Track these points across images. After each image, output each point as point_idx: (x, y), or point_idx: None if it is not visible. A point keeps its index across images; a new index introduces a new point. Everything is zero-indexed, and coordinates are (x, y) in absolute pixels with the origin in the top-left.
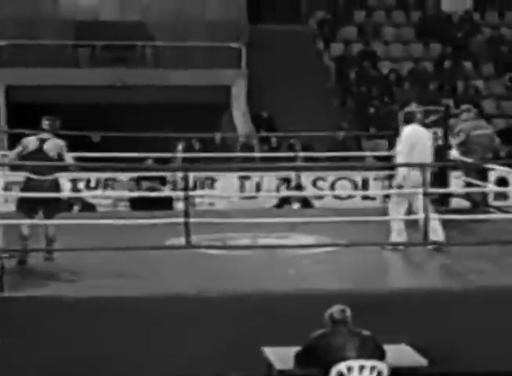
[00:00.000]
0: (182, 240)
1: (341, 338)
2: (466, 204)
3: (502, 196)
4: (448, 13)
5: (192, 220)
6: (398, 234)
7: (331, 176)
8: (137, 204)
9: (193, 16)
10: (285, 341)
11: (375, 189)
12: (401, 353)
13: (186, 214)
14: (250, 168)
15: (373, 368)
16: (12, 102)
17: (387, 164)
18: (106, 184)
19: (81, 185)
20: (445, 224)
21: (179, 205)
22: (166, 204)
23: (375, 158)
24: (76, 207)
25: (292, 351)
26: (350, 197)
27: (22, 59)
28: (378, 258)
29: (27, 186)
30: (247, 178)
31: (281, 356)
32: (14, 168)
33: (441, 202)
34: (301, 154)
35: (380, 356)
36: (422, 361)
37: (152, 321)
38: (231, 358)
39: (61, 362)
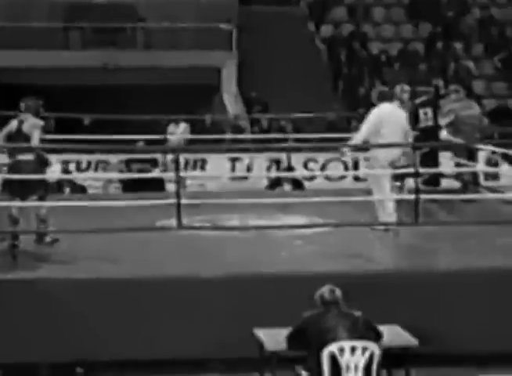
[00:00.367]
0: (173, 222)
1: (332, 319)
2: (457, 184)
3: (492, 176)
4: None
5: (183, 201)
6: (388, 214)
7: (322, 158)
8: (128, 186)
9: None
10: (277, 322)
11: (365, 170)
12: (392, 334)
13: (177, 195)
14: (240, 149)
15: (364, 349)
16: (3, 83)
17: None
18: (97, 166)
19: (72, 167)
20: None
21: (171, 187)
22: (157, 185)
23: None
24: (67, 189)
25: (284, 332)
26: (341, 178)
27: (12, 41)
28: (369, 238)
29: (12, 166)
30: (238, 159)
31: (273, 337)
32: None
33: (431, 182)
34: (292, 136)
35: (375, 336)
36: (413, 341)
37: (143, 303)
38: (223, 340)
39: (52, 344)
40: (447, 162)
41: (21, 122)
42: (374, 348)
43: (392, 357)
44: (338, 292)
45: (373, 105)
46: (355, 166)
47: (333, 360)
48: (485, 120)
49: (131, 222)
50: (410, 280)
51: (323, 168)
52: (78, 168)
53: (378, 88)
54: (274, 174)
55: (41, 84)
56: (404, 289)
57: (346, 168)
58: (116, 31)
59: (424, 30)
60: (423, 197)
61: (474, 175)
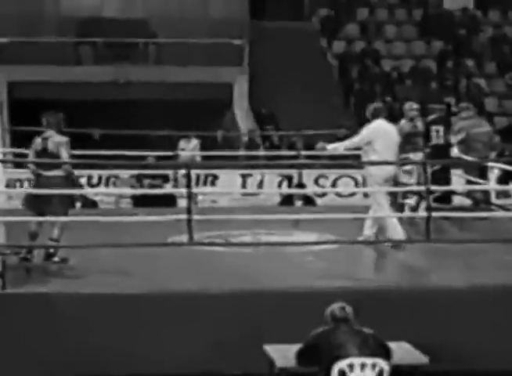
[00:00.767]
0: (184, 238)
1: (343, 336)
2: (468, 202)
3: (504, 194)
4: (450, 11)
5: (194, 217)
6: (394, 229)
7: (333, 174)
8: (139, 201)
9: (196, 13)
10: (287, 338)
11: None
12: (402, 351)
13: (189, 211)
14: (251, 165)
15: (374, 366)
16: (15, 98)
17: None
18: (108, 181)
19: (83, 181)
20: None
21: (182, 202)
22: (169, 201)
23: None
24: (78, 204)
25: (294, 348)
26: (352, 194)
27: (24, 56)
28: (380, 255)
29: (36, 182)
30: (249, 175)
31: (283, 353)
32: (18, 165)
33: (443, 199)
34: (303, 153)
35: (385, 354)
36: (423, 359)
37: (154, 318)
38: (233, 356)
39: (62, 358)
40: (458, 180)
41: (45, 140)
42: (384, 365)
43: (402, 375)
44: (349, 309)
45: (368, 121)
46: (365, 182)
47: None
48: (496, 137)
49: (142, 238)
50: (420, 297)
51: (334, 184)
52: (89, 183)
53: (372, 104)
54: (285, 190)
55: (53, 99)
56: (414, 306)
57: (356, 185)
58: (127, 46)
59: (436, 48)
60: (434, 214)
61: (486, 192)
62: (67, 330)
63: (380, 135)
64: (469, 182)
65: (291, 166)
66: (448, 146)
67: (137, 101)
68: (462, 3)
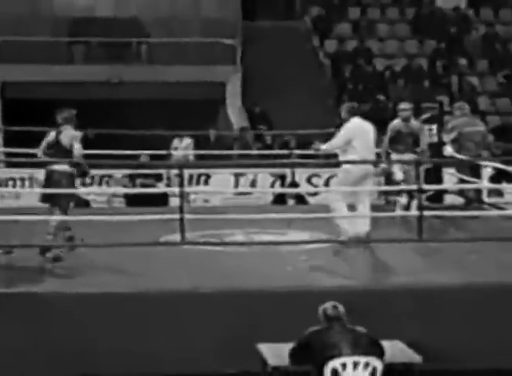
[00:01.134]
0: (176, 237)
1: (335, 335)
2: (460, 200)
3: (496, 193)
4: (443, 10)
5: (187, 216)
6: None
7: (326, 173)
8: (132, 201)
9: (188, 12)
10: (280, 337)
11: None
12: (395, 350)
13: (181, 210)
14: (244, 164)
15: (367, 364)
16: (8, 98)
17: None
18: (101, 180)
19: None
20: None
21: (174, 201)
22: (161, 200)
23: None
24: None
25: (287, 347)
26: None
27: (17, 55)
28: (371, 254)
29: (46, 176)
30: (242, 174)
31: (276, 352)
32: (10, 164)
33: (435, 198)
34: (296, 152)
35: (378, 352)
36: (416, 358)
37: (146, 318)
38: (226, 354)
39: (55, 358)
40: (451, 178)
41: (59, 133)
42: (377, 363)
43: (395, 373)
44: (341, 308)
45: (343, 120)
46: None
47: None
48: (490, 137)
49: (135, 237)
50: (413, 295)
51: (327, 183)
52: (82, 182)
53: (347, 103)
54: (277, 190)
55: (46, 99)
56: (407, 305)
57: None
58: (120, 46)
59: (429, 47)
60: (426, 213)
61: (478, 191)
62: (59, 329)
63: (357, 134)
64: (461, 180)
65: (284, 165)
66: (441, 144)
67: (130, 100)
68: (454, 2)
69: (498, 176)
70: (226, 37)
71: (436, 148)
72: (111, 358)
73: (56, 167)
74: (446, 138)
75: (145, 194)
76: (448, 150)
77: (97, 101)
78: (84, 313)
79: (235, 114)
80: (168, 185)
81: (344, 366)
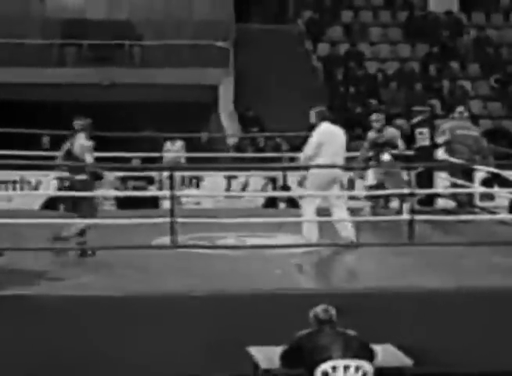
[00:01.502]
0: (168, 239)
1: (326, 338)
2: (452, 204)
3: (487, 196)
4: (435, 14)
5: (178, 220)
6: (308, 229)
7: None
8: (123, 203)
9: (181, 15)
10: (271, 340)
11: (361, 189)
12: (386, 353)
13: (172, 213)
14: (236, 167)
15: (358, 368)
16: None
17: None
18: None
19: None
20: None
21: (166, 204)
22: (152, 203)
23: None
24: (61, 207)
25: (278, 350)
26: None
27: (9, 57)
28: (364, 257)
29: (63, 185)
30: (234, 177)
31: (267, 355)
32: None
33: (426, 202)
34: (287, 154)
35: (369, 356)
36: (407, 361)
37: (138, 321)
38: (217, 357)
39: (47, 361)
40: (442, 182)
41: (72, 142)
42: (368, 367)
43: None
44: (332, 311)
45: (313, 125)
46: (350, 185)
47: None
48: (484, 141)
49: (126, 240)
50: (405, 299)
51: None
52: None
53: (316, 108)
54: (269, 193)
55: (37, 101)
56: (399, 308)
57: (341, 187)
58: (112, 48)
59: (421, 50)
60: (417, 217)
61: (470, 195)
62: (51, 332)
63: (327, 138)
64: (453, 184)
65: (276, 168)
66: (433, 148)
67: (122, 103)
68: (446, 6)
69: (490, 180)
70: (219, 40)
71: (428, 151)
72: (103, 361)
73: (78, 177)
74: (439, 140)
75: (136, 197)
76: (440, 153)
77: (89, 103)
78: (74, 316)
79: (227, 117)
80: (160, 187)
81: (334, 369)
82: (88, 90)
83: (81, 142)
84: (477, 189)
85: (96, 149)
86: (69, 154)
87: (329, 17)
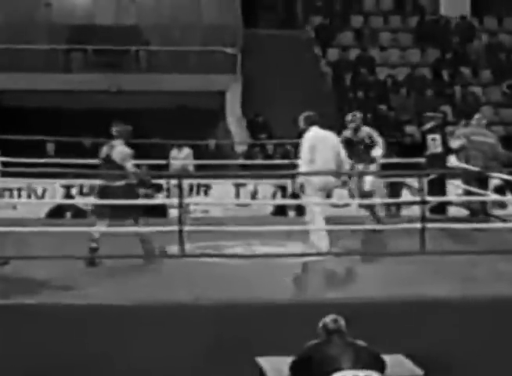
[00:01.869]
0: (176, 248)
1: (336, 349)
2: (465, 212)
3: (499, 204)
4: (446, 18)
5: (186, 228)
6: (319, 238)
7: None
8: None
9: (189, 21)
10: (278, 350)
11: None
12: (396, 363)
13: (180, 221)
14: (245, 175)
15: None
16: (5, 106)
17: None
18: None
19: (74, 191)
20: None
21: (174, 212)
22: (160, 211)
23: None
24: (68, 214)
25: (286, 361)
26: (346, 205)
27: (14, 63)
28: (373, 266)
29: (102, 191)
30: (243, 185)
31: (275, 365)
32: (5, 174)
33: (438, 210)
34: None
35: (379, 366)
36: (418, 371)
37: (144, 330)
38: (223, 368)
39: (52, 371)
40: (455, 189)
41: (111, 148)
42: None
43: None
44: (342, 321)
45: (302, 130)
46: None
47: None
48: (500, 148)
49: (133, 248)
50: (415, 308)
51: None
52: (81, 193)
53: (304, 113)
54: (278, 201)
55: (43, 107)
56: (409, 318)
57: (352, 196)
58: (119, 54)
59: (432, 56)
60: (429, 225)
61: (484, 203)
62: (58, 341)
63: (318, 141)
64: (467, 192)
65: (285, 176)
66: (445, 154)
67: (129, 109)
68: (458, 10)
69: (503, 187)
70: (227, 46)
71: (440, 158)
72: (108, 370)
73: (117, 183)
74: (453, 144)
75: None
76: (453, 160)
77: (95, 110)
78: (80, 325)
79: (234, 124)
80: (168, 195)
81: None
82: (94, 96)
83: (120, 149)
84: (490, 197)
85: (90, 153)
86: (108, 161)
87: (339, 22)
